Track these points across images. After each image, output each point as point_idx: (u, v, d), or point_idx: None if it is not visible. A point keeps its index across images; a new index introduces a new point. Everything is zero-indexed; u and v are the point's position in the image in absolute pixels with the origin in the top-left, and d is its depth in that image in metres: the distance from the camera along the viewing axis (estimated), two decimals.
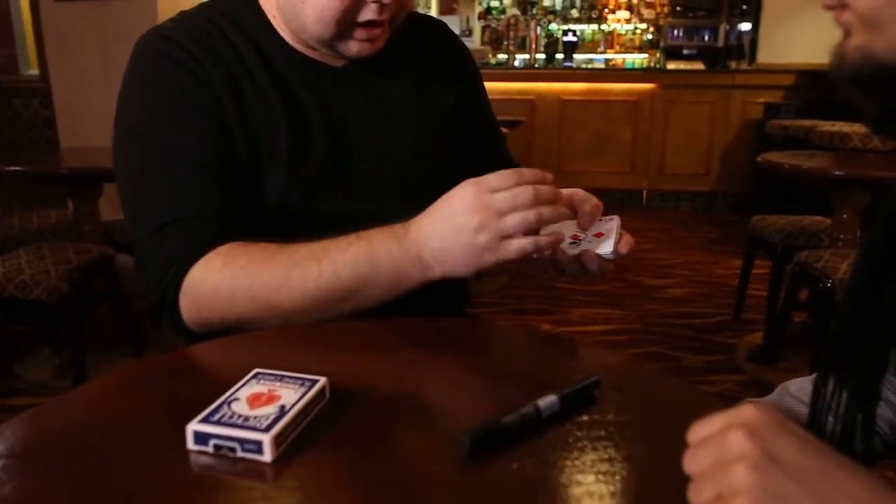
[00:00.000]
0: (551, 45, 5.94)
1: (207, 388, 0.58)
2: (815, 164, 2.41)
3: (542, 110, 5.11)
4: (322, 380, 0.59)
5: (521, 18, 6.21)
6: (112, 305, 2.48)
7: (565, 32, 5.89)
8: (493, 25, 6.34)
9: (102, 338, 2.52)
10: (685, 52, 5.81)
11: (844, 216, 2.37)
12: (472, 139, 1.02)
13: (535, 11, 6.27)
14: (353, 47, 0.84)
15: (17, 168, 2.47)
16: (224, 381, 0.58)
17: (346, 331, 0.76)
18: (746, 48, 5.20)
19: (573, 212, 0.79)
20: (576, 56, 5.87)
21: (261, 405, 0.56)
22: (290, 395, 0.57)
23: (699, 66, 5.50)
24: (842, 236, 2.37)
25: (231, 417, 0.54)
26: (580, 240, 0.77)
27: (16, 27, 4.61)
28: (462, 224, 0.69)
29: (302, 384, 0.59)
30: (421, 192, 0.85)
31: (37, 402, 0.62)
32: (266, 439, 0.51)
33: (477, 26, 6.39)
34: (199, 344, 0.75)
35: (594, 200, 0.80)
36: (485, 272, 0.79)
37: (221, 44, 0.85)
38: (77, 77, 3.24)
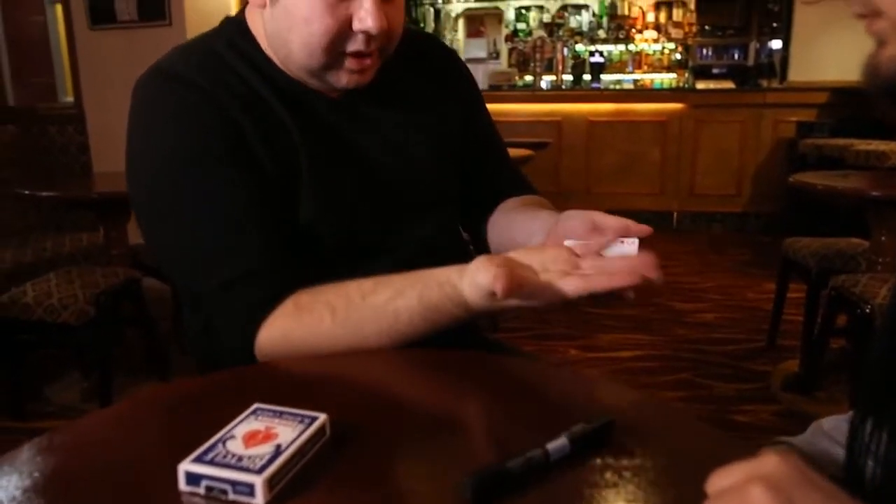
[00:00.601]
0: (578, 66, 5.93)
1: (213, 421, 0.56)
2: (850, 185, 2.33)
3: (569, 132, 5.08)
4: (322, 417, 0.57)
5: (548, 40, 6.22)
6: (139, 329, 2.50)
7: (592, 53, 5.88)
8: (520, 48, 6.37)
9: (129, 361, 2.54)
10: (715, 71, 5.76)
11: (883, 238, 2.28)
12: (474, 150, 1.01)
13: (561, 33, 6.28)
14: (343, 78, 0.82)
15: (49, 193, 2.52)
16: (232, 414, 0.56)
17: (355, 363, 0.74)
18: (777, 66, 5.12)
19: (597, 232, 0.78)
20: (603, 77, 5.85)
21: (256, 444, 0.53)
22: (288, 433, 0.55)
23: (729, 84, 5.43)
24: (880, 259, 2.28)
25: (224, 457, 0.52)
26: None
27: (55, 56, 4.78)
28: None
29: (301, 421, 0.56)
30: (436, 208, 0.94)
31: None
32: (258, 482, 0.49)
33: (504, 49, 6.42)
34: (212, 374, 0.74)
35: (619, 219, 0.79)
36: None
37: (226, 71, 0.83)
38: (110, 103, 3.32)
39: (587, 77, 5.81)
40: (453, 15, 6.47)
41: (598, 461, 0.53)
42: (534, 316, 3.09)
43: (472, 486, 0.48)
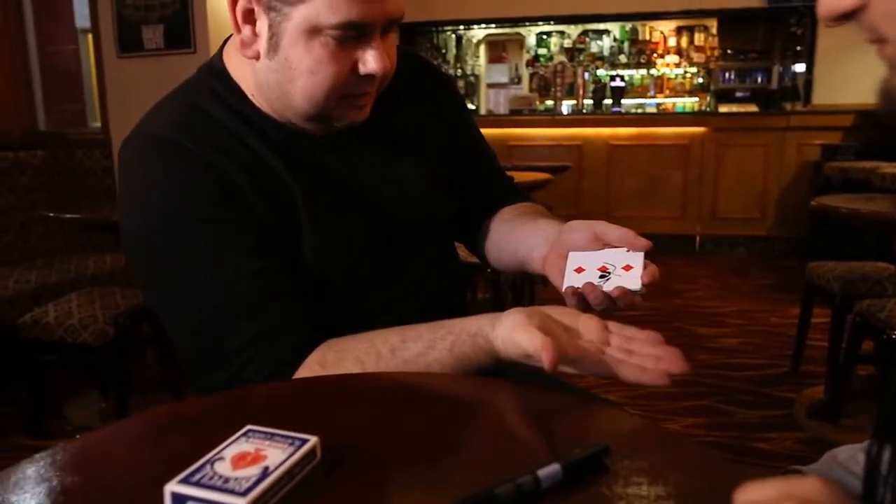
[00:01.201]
0: (599, 90, 5.94)
1: (208, 442, 0.55)
2: (875, 208, 2.28)
3: (589, 155, 5.08)
4: (312, 439, 0.56)
5: (569, 65, 6.25)
6: (157, 350, 2.53)
7: (613, 78, 5.89)
8: (541, 73, 6.40)
9: (147, 382, 2.57)
10: (738, 94, 5.73)
11: None
12: (462, 162, 1.01)
13: (582, 58, 6.31)
14: (346, 118, 0.82)
15: (74, 216, 2.58)
16: (228, 436, 0.56)
17: (353, 386, 0.73)
18: (801, 89, 5.08)
19: (601, 243, 0.80)
20: (624, 101, 5.85)
21: (244, 466, 0.53)
22: (277, 455, 0.54)
23: (753, 108, 5.39)
24: None
25: (211, 479, 0.51)
26: (608, 272, 0.77)
27: (85, 83, 4.92)
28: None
29: (291, 443, 0.56)
30: (434, 231, 0.95)
31: None
32: None
33: (525, 74, 6.47)
34: (210, 396, 0.74)
35: (621, 230, 0.79)
36: None
37: (211, 126, 0.81)
38: None
39: (608, 101, 5.81)
40: (475, 41, 6.54)
41: (592, 489, 0.52)
42: None
43: None
